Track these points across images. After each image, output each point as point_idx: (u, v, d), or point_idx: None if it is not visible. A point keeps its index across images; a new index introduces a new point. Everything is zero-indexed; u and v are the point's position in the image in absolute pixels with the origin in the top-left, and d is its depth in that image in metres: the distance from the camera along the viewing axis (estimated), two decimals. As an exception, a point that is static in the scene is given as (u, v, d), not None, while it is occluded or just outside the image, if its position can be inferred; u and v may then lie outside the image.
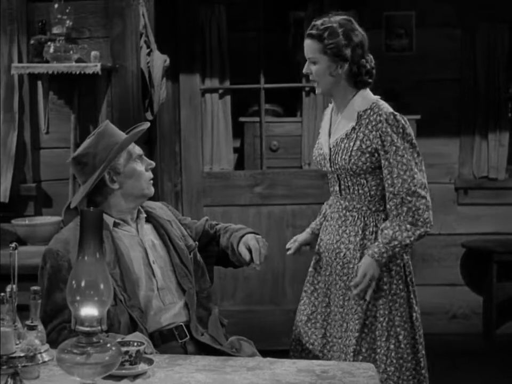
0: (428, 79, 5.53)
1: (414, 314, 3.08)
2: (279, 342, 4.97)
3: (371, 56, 3.08)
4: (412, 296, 3.08)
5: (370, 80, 3.07)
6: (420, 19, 5.53)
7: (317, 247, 3.23)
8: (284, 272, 5.18)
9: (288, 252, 3.28)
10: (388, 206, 3.01)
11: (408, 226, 2.95)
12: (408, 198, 2.95)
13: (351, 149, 3.00)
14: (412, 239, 2.96)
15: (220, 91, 5.42)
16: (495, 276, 5.35)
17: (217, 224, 3.18)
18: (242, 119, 5.73)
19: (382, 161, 2.98)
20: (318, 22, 3.03)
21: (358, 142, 2.99)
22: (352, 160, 2.99)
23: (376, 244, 2.99)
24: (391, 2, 5.55)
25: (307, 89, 5.36)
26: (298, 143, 5.52)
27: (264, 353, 2.80)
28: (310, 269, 3.24)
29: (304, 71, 3.09)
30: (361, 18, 5.50)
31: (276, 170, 5.36)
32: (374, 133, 2.97)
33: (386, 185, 2.99)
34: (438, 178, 5.63)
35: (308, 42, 3.04)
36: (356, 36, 3.02)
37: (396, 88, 5.47)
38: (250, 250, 2.88)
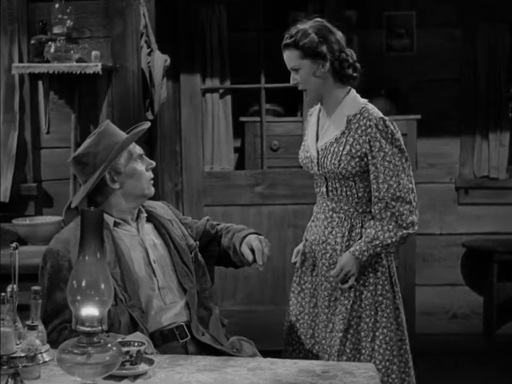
0: (429, 79, 5.53)
1: (400, 315, 3.09)
2: (280, 342, 4.94)
3: (351, 51, 3.09)
4: (397, 297, 3.09)
5: (355, 74, 3.07)
6: (421, 19, 5.53)
7: (302, 247, 3.24)
8: (284, 272, 5.18)
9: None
10: (372, 210, 3.02)
11: (390, 227, 2.97)
12: (393, 203, 2.97)
13: (340, 153, 3.00)
14: (394, 239, 2.98)
15: (221, 91, 5.42)
16: (496, 275, 5.35)
17: (218, 224, 3.18)
18: (242, 118, 5.72)
19: (370, 166, 2.99)
20: (290, 31, 3.05)
21: (347, 147, 3.00)
22: (342, 165, 2.99)
23: (358, 241, 3.01)
24: (391, 2, 5.55)
25: (307, 89, 5.35)
26: (299, 143, 5.46)
27: (265, 354, 2.80)
28: (296, 269, 3.25)
29: (291, 83, 3.11)
30: (362, 18, 5.56)
31: (276, 170, 5.36)
32: (363, 137, 2.98)
33: (372, 189, 3.01)
34: (438, 178, 5.64)
35: (286, 54, 3.06)
36: (329, 33, 3.03)
37: (397, 88, 5.47)
38: (253, 251, 2.88)
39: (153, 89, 4.25)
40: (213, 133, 5.43)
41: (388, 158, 2.96)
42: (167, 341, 2.75)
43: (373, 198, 3.01)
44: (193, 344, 2.77)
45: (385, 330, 3.04)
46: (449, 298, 5.65)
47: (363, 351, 3.04)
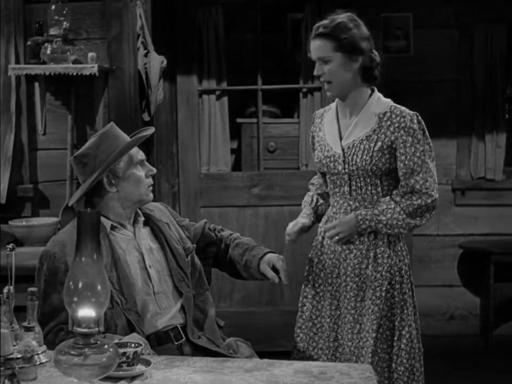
0: (426, 80, 5.54)
1: (416, 313, 3.12)
2: (277, 343, 4.98)
3: (377, 53, 3.10)
4: (414, 295, 3.13)
5: (378, 74, 3.09)
6: (417, 20, 5.53)
7: (316, 250, 3.22)
8: (281, 273, 5.17)
9: (288, 239, 3.24)
10: (398, 189, 3.03)
11: (402, 212, 2.99)
12: (416, 195, 3.00)
13: (372, 149, 3.00)
14: (400, 224, 3.01)
15: (217, 92, 5.42)
16: (492, 276, 5.35)
17: (222, 230, 3.18)
18: (239, 120, 5.73)
19: (398, 163, 3.00)
20: (325, 21, 3.00)
21: (379, 143, 3.00)
22: (373, 161, 3.00)
23: (370, 210, 3.03)
24: (388, 3, 5.55)
25: (304, 90, 5.36)
26: (296, 144, 5.52)
27: (262, 355, 2.80)
28: (306, 273, 3.22)
29: (315, 73, 3.04)
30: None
31: (273, 171, 5.36)
32: (396, 134, 2.99)
33: (400, 183, 3.03)
34: (435, 179, 5.64)
35: (318, 43, 3.00)
36: (365, 28, 3.04)
37: (394, 89, 5.46)
38: (274, 270, 2.98)
39: (149, 91, 4.25)
40: (210, 135, 5.43)
41: (418, 154, 2.99)
42: (162, 343, 2.75)
43: (400, 184, 3.04)
44: (189, 345, 2.77)
45: (410, 329, 3.06)
46: (446, 299, 5.65)
47: (390, 349, 3.06)
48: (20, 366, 2.06)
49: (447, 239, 5.66)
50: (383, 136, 3.00)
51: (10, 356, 2.05)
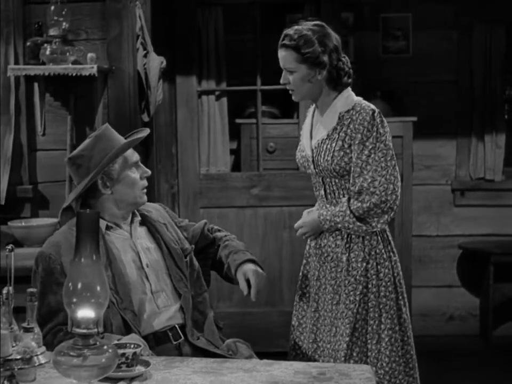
0: (425, 80, 5.54)
1: (403, 316, 3.08)
2: (276, 344, 4.98)
3: (346, 57, 3.09)
4: (400, 297, 3.08)
5: (350, 81, 3.07)
6: (417, 21, 5.54)
7: (305, 251, 3.24)
8: (281, 274, 5.18)
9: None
10: (350, 191, 3.00)
11: (352, 215, 2.97)
12: (366, 197, 2.95)
13: (333, 149, 3.00)
14: (351, 226, 3.00)
15: (217, 93, 5.42)
16: (492, 277, 5.35)
17: (219, 230, 3.18)
18: (238, 120, 5.72)
19: (354, 155, 2.96)
20: (291, 32, 3.01)
21: (340, 142, 2.99)
22: (335, 161, 2.99)
23: (329, 208, 3.05)
24: (387, 4, 5.56)
25: (304, 90, 5.35)
26: (295, 145, 5.46)
27: (261, 355, 2.80)
28: (300, 273, 3.25)
29: (281, 81, 3.08)
30: (358, 20, 5.56)
31: (272, 172, 5.35)
32: (355, 130, 2.96)
33: (351, 177, 2.99)
34: (434, 180, 5.64)
35: (283, 54, 3.03)
36: (330, 40, 3.01)
37: (393, 90, 5.47)
38: (248, 282, 2.89)
39: (149, 91, 4.25)
40: (209, 135, 5.43)
41: (366, 152, 2.94)
42: (160, 343, 2.74)
43: (351, 183, 3.00)
44: (187, 345, 2.77)
45: (390, 332, 3.04)
46: (446, 300, 5.65)
47: (369, 353, 3.04)
48: (19, 367, 2.06)
49: (447, 239, 5.66)
50: (343, 134, 2.99)
51: (10, 357, 2.05)
